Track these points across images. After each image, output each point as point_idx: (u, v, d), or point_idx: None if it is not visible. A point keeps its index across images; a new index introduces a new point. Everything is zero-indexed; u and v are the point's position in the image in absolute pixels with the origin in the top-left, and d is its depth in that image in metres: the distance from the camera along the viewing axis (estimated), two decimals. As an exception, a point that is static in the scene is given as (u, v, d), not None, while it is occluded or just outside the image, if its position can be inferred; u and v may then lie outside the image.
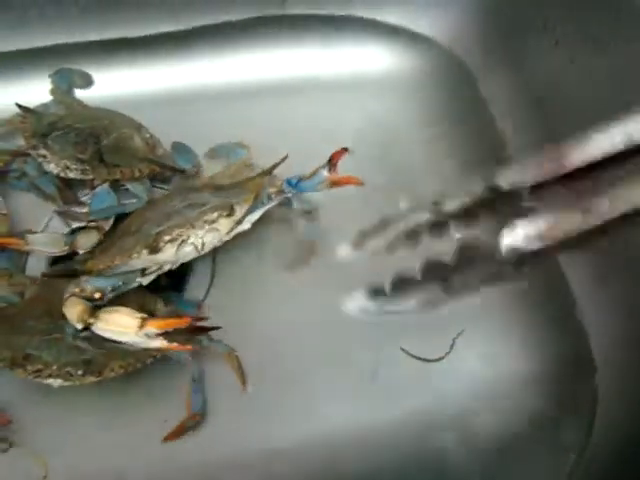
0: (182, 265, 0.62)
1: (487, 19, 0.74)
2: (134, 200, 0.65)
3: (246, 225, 0.63)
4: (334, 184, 0.61)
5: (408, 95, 0.77)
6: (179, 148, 0.70)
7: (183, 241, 0.58)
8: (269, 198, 0.64)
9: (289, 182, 0.63)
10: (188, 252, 0.59)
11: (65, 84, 0.74)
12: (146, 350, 0.55)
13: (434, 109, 0.77)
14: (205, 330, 0.57)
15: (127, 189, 0.66)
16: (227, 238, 0.62)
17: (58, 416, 0.58)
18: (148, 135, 0.70)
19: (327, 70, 0.77)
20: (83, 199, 0.67)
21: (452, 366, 0.61)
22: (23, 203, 0.68)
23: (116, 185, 0.66)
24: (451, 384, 0.61)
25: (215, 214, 0.59)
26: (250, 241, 0.66)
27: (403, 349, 0.62)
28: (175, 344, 0.54)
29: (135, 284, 0.59)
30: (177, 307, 0.61)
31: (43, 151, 0.65)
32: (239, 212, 0.61)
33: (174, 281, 0.65)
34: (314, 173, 0.61)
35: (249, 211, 0.62)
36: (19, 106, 0.70)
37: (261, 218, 0.64)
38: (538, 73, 0.70)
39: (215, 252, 0.65)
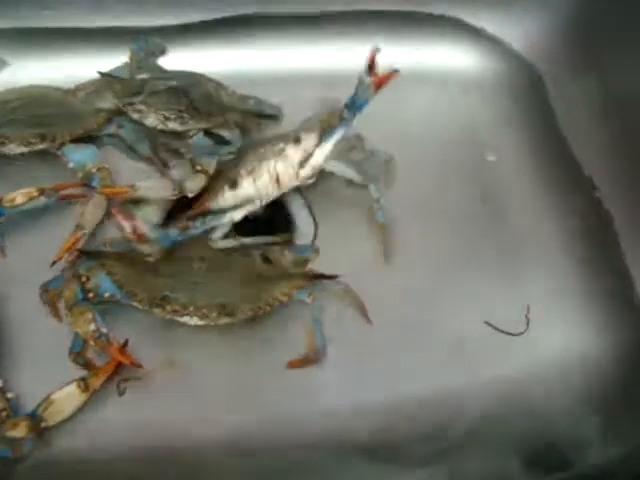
0: (287, 220, 0.68)
1: (571, 35, 0.79)
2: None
3: (319, 158, 0.65)
4: (378, 84, 0.61)
5: (482, 95, 0.83)
6: (257, 99, 0.75)
7: (258, 173, 0.63)
8: (335, 129, 0.65)
9: (345, 106, 0.64)
10: (266, 183, 0.63)
11: (141, 51, 0.78)
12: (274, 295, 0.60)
13: (504, 111, 0.82)
14: (325, 277, 0.63)
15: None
16: (305, 174, 0.65)
17: (184, 359, 0.61)
18: (230, 91, 0.74)
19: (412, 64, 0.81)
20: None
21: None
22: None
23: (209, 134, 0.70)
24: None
25: (282, 144, 0.64)
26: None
27: (487, 322, 0.66)
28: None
29: (227, 219, 0.64)
30: (298, 253, 0.66)
31: (140, 106, 0.69)
32: (306, 141, 0.65)
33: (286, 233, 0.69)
34: (358, 86, 0.62)
35: (318, 143, 0.65)
36: (102, 74, 0.73)
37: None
38: (612, 88, 0.74)
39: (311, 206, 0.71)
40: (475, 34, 0.83)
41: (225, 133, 0.70)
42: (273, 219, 0.69)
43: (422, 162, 0.75)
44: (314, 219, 0.70)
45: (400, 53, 0.78)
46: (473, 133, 0.79)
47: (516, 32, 0.83)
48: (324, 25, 0.79)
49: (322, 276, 0.63)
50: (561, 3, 0.80)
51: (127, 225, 0.58)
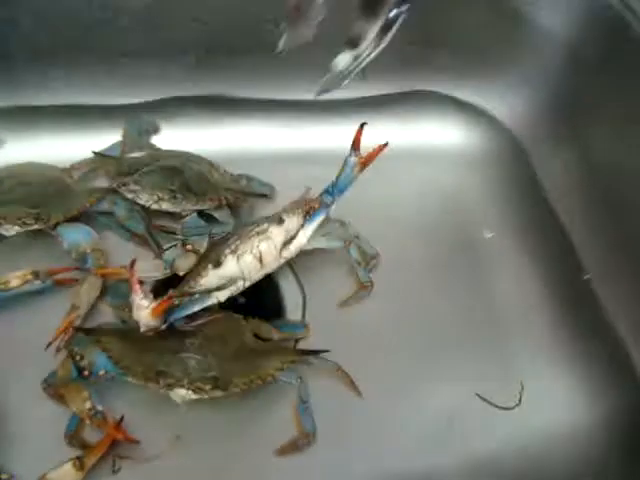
0: (275, 295, 0.69)
1: (553, 109, 0.82)
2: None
3: (302, 239, 0.67)
4: (364, 164, 0.64)
5: (469, 168, 0.86)
6: (249, 177, 0.78)
7: (241, 252, 0.64)
8: (317, 213, 0.68)
9: (326, 191, 0.67)
10: (249, 262, 0.64)
11: (135, 129, 0.80)
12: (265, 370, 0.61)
13: (491, 184, 0.84)
14: (314, 353, 0.64)
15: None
16: (288, 255, 0.67)
17: (170, 430, 0.61)
18: (222, 170, 0.76)
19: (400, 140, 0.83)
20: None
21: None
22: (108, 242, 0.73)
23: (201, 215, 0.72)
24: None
25: (265, 224, 0.66)
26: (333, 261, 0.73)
27: (479, 395, 0.66)
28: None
29: (213, 300, 0.64)
30: (288, 331, 0.68)
31: (134, 186, 0.71)
32: (289, 222, 0.66)
33: (275, 310, 0.71)
34: (342, 167, 0.65)
35: (301, 225, 0.67)
36: (96, 154, 0.75)
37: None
38: (593, 159, 0.77)
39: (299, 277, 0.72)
40: (460, 109, 0.86)
41: (217, 213, 0.71)
42: (261, 291, 0.70)
43: (410, 237, 0.78)
44: (302, 290, 0.72)
45: (385, 130, 0.80)
46: (460, 206, 0.82)
47: (501, 106, 0.86)
48: (314, 105, 0.81)
49: (312, 352, 0.64)
50: (542, 79, 0.82)
51: (145, 303, 0.59)
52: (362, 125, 0.62)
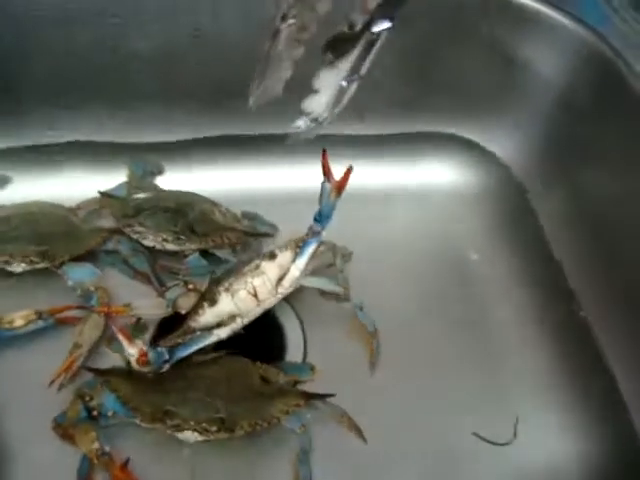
0: (279, 336, 0.71)
1: (550, 148, 0.85)
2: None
3: (296, 272, 0.67)
4: (340, 188, 0.63)
5: (467, 206, 0.88)
6: (252, 216, 0.80)
7: (235, 289, 0.66)
8: (307, 242, 0.66)
9: (314, 219, 0.65)
10: (243, 298, 0.66)
11: (140, 170, 0.82)
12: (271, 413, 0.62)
13: (489, 222, 0.87)
14: (320, 397, 0.65)
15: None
16: (284, 290, 0.67)
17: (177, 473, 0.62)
18: (224, 209, 0.78)
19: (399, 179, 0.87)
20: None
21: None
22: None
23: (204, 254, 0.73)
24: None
25: (258, 260, 0.68)
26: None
27: (476, 434, 0.67)
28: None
29: (214, 338, 0.65)
30: (294, 373, 0.68)
31: (139, 228, 0.72)
32: (281, 257, 0.68)
33: (278, 353, 0.72)
34: (320, 194, 0.63)
35: (293, 258, 0.67)
36: (102, 193, 0.77)
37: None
38: (589, 198, 0.79)
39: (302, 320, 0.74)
40: (458, 148, 0.89)
41: (219, 253, 0.73)
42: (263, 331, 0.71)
43: (407, 272, 0.79)
44: (303, 332, 0.73)
45: (384, 169, 0.83)
46: (457, 242, 0.84)
47: (499, 146, 0.88)
48: (315, 145, 0.83)
49: (318, 396, 0.65)
50: (537, 121, 0.85)
51: (133, 351, 0.60)
52: (324, 151, 0.61)
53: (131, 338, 0.60)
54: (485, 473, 0.66)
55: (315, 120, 0.51)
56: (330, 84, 0.49)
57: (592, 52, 0.77)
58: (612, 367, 0.71)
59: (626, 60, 0.73)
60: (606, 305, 0.74)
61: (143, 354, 0.60)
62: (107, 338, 0.68)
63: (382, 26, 0.46)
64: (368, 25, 0.46)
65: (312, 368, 0.69)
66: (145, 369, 0.62)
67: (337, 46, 0.47)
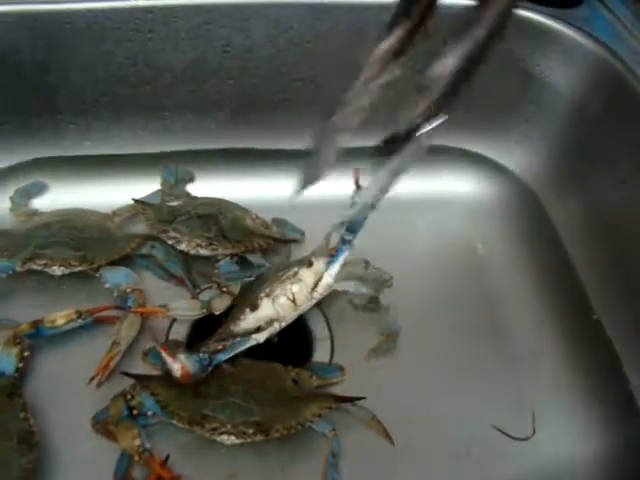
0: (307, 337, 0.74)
1: (563, 160, 0.88)
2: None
3: (328, 279, 0.71)
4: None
5: (484, 215, 0.92)
6: (281, 222, 0.83)
7: (275, 295, 0.69)
8: (340, 250, 0.71)
9: (346, 229, 0.69)
10: (283, 303, 0.69)
11: (172, 178, 0.86)
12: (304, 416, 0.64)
13: (505, 231, 0.90)
14: (351, 400, 0.67)
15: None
16: (318, 295, 0.71)
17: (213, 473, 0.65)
18: (254, 216, 0.82)
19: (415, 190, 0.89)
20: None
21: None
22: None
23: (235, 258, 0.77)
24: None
25: (296, 268, 0.71)
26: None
27: (495, 427, 0.70)
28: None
29: (253, 342, 0.69)
30: (324, 375, 0.71)
31: (174, 234, 0.76)
32: (317, 264, 0.71)
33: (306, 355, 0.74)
34: (351, 207, 0.66)
35: (327, 266, 0.71)
36: (136, 201, 0.81)
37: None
38: (603, 206, 0.82)
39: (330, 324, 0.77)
40: (472, 160, 0.93)
41: (252, 257, 0.77)
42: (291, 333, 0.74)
43: (425, 281, 0.82)
44: (330, 330, 0.76)
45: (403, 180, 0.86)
46: (475, 251, 0.87)
47: (511, 157, 0.92)
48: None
49: (349, 399, 0.67)
50: (550, 133, 0.89)
51: (177, 367, 0.63)
52: (357, 169, 0.64)
53: (174, 355, 0.63)
54: (507, 469, 0.69)
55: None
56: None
57: (604, 66, 0.80)
58: (626, 369, 0.73)
59: (635, 73, 0.77)
60: (621, 308, 0.77)
61: (185, 370, 0.63)
62: (142, 352, 0.70)
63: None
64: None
65: (341, 369, 0.71)
66: (188, 381, 0.64)
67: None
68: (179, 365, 0.63)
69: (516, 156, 0.92)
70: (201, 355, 0.65)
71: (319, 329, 0.76)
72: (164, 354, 0.63)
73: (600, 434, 0.71)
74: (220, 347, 0.66)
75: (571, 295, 0.82)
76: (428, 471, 0.67)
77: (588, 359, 0.77)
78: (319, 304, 0.76)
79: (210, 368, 0.65)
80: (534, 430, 0.70)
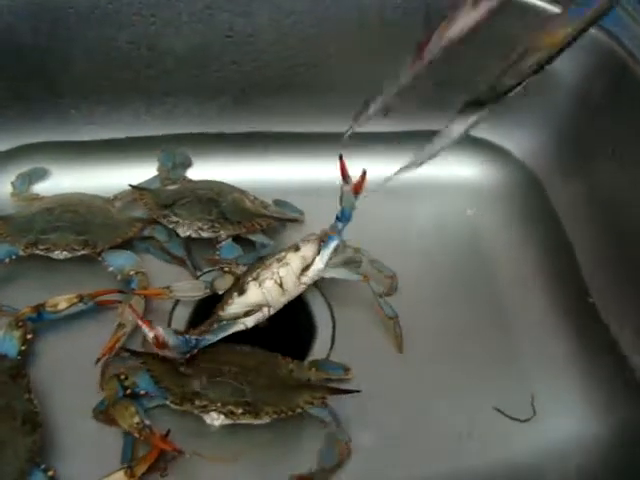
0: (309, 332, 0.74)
1: (565, 145, 0.89)
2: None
3: (320, 265, 0.71)
4: (357, 189, 0.69)
5: (486, 201, 0.92)
6: (281, 203, 0.84)
7: (262, 278, 0.69)
8: (330, 238, 0.72)
9: (336, 218, 0.71)
10: (270, 287, 0.69)
11: (170, 163, 0.86)
12: (296, 402, 0.65)
13: (507, 215, 0.91)
14: (346, 392, 0.66)
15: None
16: (308, 279, 0.71)
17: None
18: (252, 197, 0.82)
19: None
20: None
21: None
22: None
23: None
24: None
25: (282, 252, 0.71)
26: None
27: (497, 408, 0.70)
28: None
29: (240, 326, 0.69)
30: (327, 370, 0.71)
31: (175, 218, 0.76)
32: (305, 249, 0.71)
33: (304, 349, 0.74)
34: (341, 196, 0.70)
35: (317, 252, 0.71)
36: (133, 187, 0.81)
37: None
38: (605, 192, 0.82)
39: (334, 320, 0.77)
40: (476, 145, 0.92)
41: (253, 237, 0.77)
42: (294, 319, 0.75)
43: (427, 266, 0.83)
44: (332, 317, 0.76)
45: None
46: (477, 238, 0.87)
47: (514, 142, 0.93)
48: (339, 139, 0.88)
49: (343, 391, 0.66)
50: (552, 118, 0.89)
51: (151, 334, 0.62)
52: (340, 156, 0.67)
53: (150, 323, 0.62)
54: (508, 451, 0.69)
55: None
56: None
57: (606, 52, 0.80)
58: (625, 351, 0.74)
59: (638, 58, 0.77)
60: (622, 295, 0.77)
61: (161, 339, 0.62)
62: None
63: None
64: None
65: (346, 369, 0.71)
66: (168, 353, 0.64)
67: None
68: (154, 333, 0.62)
69: (518, 140, 0.92)
70: (187, 336, 0.65)
71: (322, 316, 0.77)
72: (140, 322, 0.62)
73: (600, 414, 0.71)
74: (204, 329, 0.66)
75: (574, 279, 0.82)
76: (429, 453, 0.67)
77: (588, 341, 0.77)
78: (323, 291, 0.76)
79: (195, 350, 0.65)
80: (534, 411, 0.70)
